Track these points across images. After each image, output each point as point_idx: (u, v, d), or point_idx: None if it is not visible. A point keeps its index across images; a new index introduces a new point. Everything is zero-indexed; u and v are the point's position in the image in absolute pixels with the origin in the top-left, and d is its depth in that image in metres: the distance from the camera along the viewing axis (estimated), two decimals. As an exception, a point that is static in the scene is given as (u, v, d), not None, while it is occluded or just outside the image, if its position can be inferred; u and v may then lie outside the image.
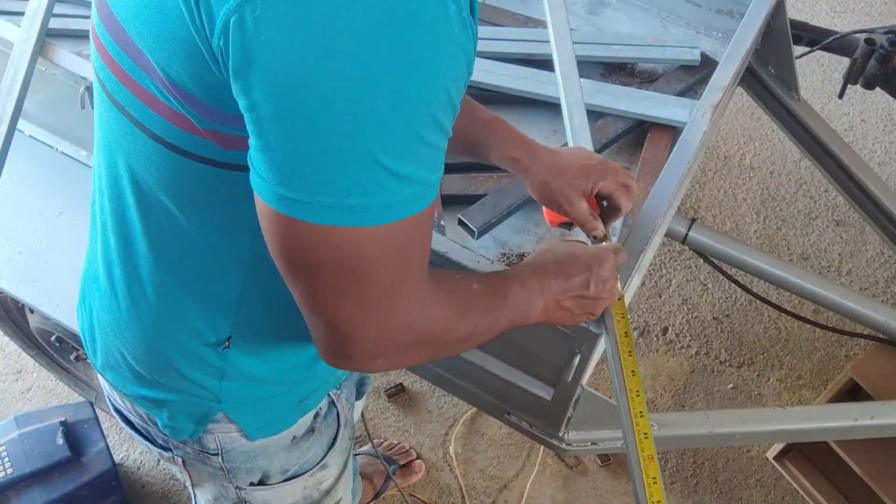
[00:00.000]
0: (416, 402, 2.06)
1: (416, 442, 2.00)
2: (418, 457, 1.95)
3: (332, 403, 1.04)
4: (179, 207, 0.77)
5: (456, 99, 0.65)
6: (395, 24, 0.58)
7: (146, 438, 1.02)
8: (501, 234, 1.29)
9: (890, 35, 1.55)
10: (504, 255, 1.26)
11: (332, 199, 0.62)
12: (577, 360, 1.14)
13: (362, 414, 1.38)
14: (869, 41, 1.57)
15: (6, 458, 1.65)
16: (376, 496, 1.86)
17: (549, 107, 1.45)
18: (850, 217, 2.42)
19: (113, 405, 1.03)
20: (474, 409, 2.01)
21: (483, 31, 1.53)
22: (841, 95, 1.69)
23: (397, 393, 2.05)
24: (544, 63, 1.49)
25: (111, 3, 0.72)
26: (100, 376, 0.98)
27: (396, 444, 1.96)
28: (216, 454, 0.96)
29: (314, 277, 0.67)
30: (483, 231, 1.26)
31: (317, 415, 1.02)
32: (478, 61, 1.46)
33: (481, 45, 1.49)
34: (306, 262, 0.66)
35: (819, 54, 1.87)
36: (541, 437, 1.37)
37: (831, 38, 1.62)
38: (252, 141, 0.62)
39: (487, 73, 1.45)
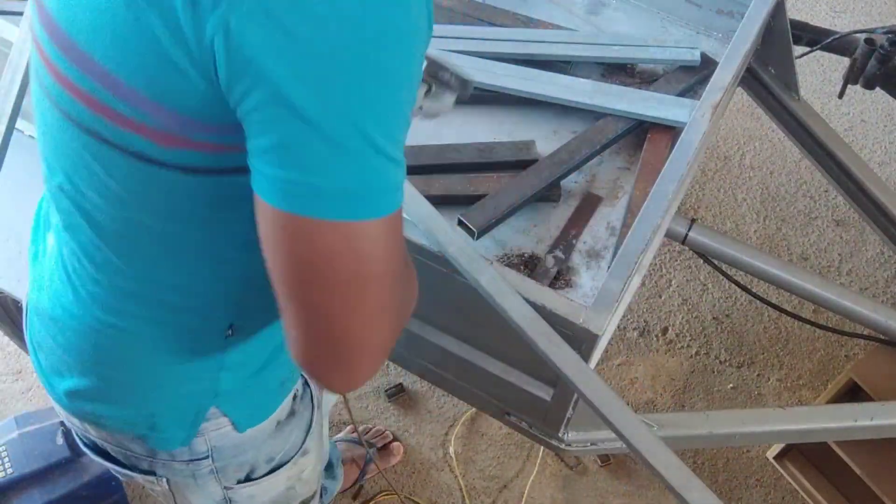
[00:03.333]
0: (416, 402, 2.06)
1: (416, 442, 2.00)
2: (395, 439, 1.97)
3: (305, 384, 1.06)
4: (160, 220, 0.75)
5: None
6: (382, 7, 0.59)
7: (124, 466, 1.00)
8: (501, 235, 1.29)
9: (890, 35, 1.55)
10: (504, 255, 1.26)
11: (340, 184, 0.60)
12: (577, 360, 1.14)
13: (344, 397, 1.39)
14: (869, 41, 1.57)
15: (6, 458, 1.65)
16: (357, 480, 1.89)
17: (549, 107, 1.45)
18: (850, 217, 2.42)
19: (83, 441, 1.01)
20: (474, 409, 2.01)
21: (483, 31, 1.53)
22: (841, 95, 1.69)
23: (397, 393, 2.05)
24: (544, 63, 1.49)
25: (58, 19, 0.70)
26: (66, 413, 0.95)
27: (372, 428, 1.98)
28: (206, 457, 0.96)
29: (325, 289, 0.63)
30: (483, 231, 1.26)
31: (295, 396, 1.03)
32: (478, 61, 1.47)
33: (482, 46, 1.49)
34: (317, 269, 0.62)
35: (819, 54, 1.87)
36: (541, 437, 1.37)
37: (831, 38, 1.62)
38: (259, 142, 0.61)
39: (487, 74, 1.45)
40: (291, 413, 1.03)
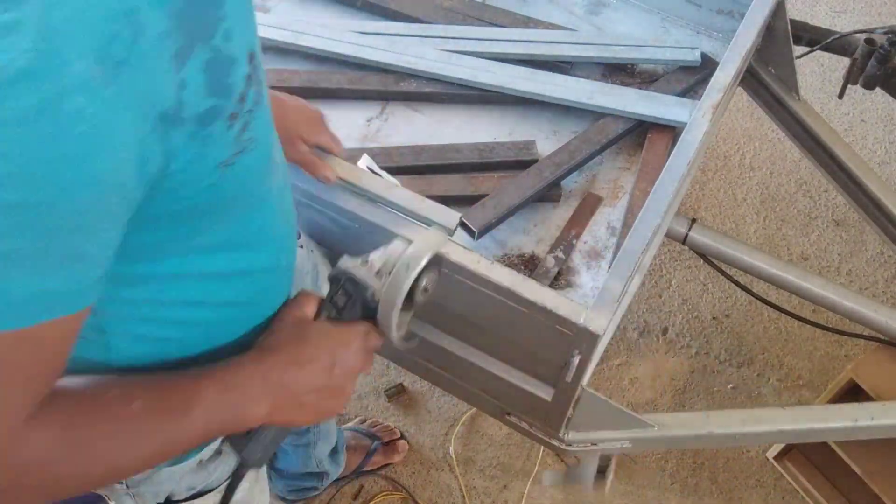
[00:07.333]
0: (416, 402, 2.06)
1: (416, 442, 2.00)
2: (402, 437, 1.98)
3: None
4: None
5: (133, 200, 0.57)
6: (44, 118, 0.50)
7: None
8: (501, 235, 1.29)
9: (890, 35, 1.55)
10: (505, 255, 1.26)
11: None
12: (577, 360, 1.14)
13: None
14: (869, 41, 1.57)
15: (6, 459, 1.64)
16: (357, 469, 1.91)
17: (549, 107, 1.45)
18: (850, 217, 2.42)
19: None
20: (474, 409, 2.01)
21: (483, 31, 1.53)
22: (841, 95, 1.69)
23: (397, 393, 2.05)
24: (544, 63, 1.49)
25: None
26: None
27: (381, 423, 2.00)
28: (119, 482, 0.93)
29: None
30: (483, 231, 1.26)
31: (225, 438, 0.98)
32: (478, 61, 1.47)
33: (482, 46, 1.49)
34: None
35: (819, 54, 1.87)
36: (541, 437, 1.36)
37: (831, 38, 1.62)
38: None
39: (487, 73, 1.45)
40: (218, 452, 0.98)
